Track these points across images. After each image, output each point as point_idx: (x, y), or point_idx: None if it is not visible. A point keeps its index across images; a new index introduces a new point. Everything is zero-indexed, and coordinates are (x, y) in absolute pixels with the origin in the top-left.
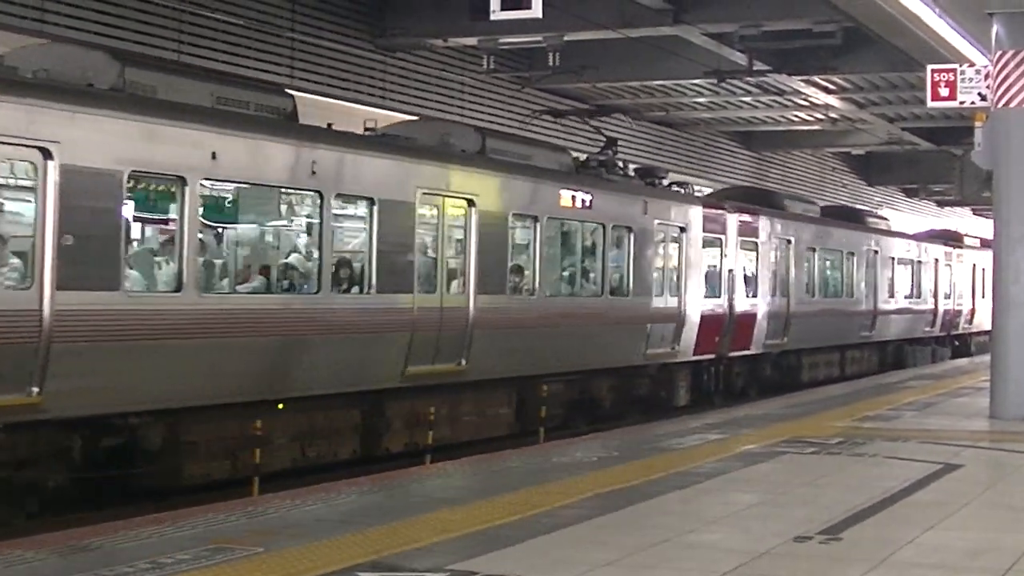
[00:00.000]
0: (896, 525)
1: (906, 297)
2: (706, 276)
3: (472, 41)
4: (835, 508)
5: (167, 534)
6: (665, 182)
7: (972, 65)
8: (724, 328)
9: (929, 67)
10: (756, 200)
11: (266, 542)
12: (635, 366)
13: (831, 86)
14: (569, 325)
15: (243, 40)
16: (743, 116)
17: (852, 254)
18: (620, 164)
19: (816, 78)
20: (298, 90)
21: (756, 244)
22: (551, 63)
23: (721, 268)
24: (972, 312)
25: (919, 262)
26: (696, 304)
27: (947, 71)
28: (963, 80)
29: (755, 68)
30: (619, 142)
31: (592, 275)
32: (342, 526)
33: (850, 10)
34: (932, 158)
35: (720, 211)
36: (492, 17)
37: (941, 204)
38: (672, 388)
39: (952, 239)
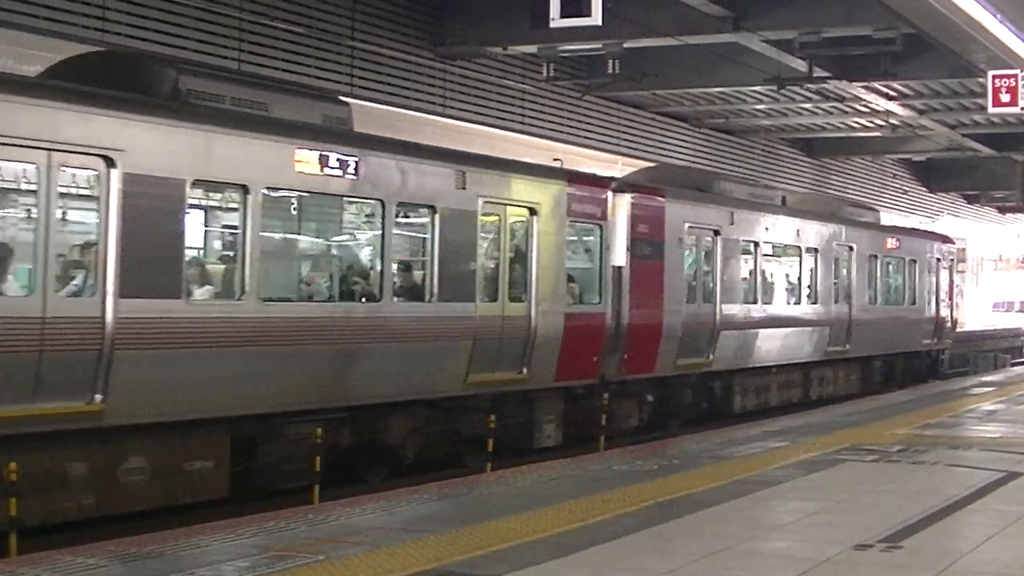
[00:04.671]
0: (958, 533)
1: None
2: None
3: (532, 49)
4: (896, 516)
5: (228, 541)
6: None
7: None
8: None
9: (990, 73)
10: None
11: (326, 550)
12: None
13: (891, 92)
14: None
15: (303, 48)
16: (803, 123)
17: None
18: None
19: (876, 84)
20: (357, 98)
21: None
22: (611, 70)
23: None
24: (712, 333)
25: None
26: None
27: (1008, 77)
28: None
29: (815, 75)
30: (679, 148)
31: None
32: (402, 534)
33: (911, 16)
34: (993, 164)
35: None
36: (552, 24)
37: (1003, 210)
38: None
39: (637, 189)
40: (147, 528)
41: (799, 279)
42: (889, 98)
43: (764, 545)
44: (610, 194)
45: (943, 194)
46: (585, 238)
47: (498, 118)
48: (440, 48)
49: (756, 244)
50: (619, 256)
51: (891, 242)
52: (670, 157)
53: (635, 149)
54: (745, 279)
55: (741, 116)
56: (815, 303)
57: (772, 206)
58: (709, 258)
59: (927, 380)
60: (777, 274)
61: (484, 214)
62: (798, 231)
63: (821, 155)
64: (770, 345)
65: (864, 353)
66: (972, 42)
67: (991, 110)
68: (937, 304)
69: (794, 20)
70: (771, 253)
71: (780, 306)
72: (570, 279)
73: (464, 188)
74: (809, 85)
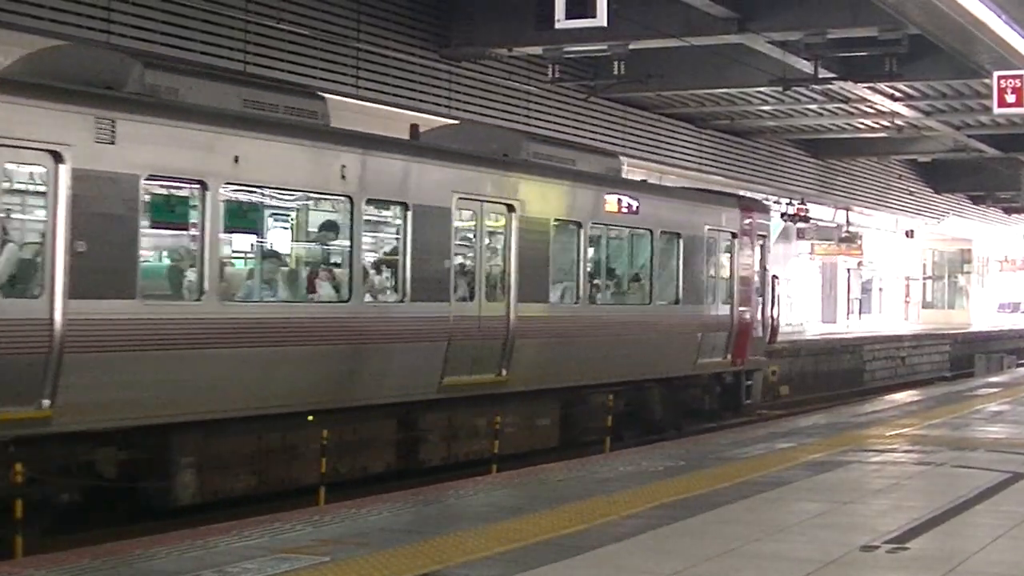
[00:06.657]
0: (964, 535)
1: None
2: None
3: (537, 50)
4: (902, 517)
5: (233, 543)
6: None
7: None
8: None
9: (995, 74)
10: None
11: (332, 551)
12: None
13: (897, 93)
14: None
15: (308, 50)
16: (809, 124)
17: None
18: None
19: (882, 85)
20: (363, 99)
21: None
22: (616, 72)
23: None
24: (48, 358)
25: None
26: None
27: (1013, 77)
28: None
29: (820, 76)
30: (684, 149)
31: None
32: (407, 536)
33: (916, 18)
34: (998, 165)
35: None
36: (557, 26)
37: (1008, 211)
38: None
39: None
40: (152, 530)
41: (350, 255)
42: (895, 99)
43: (770, 546)
44: None
45: (949, 195)
46: None
47: (503, 119)
48: (445, 50)
49: (203, 186)
50: None
51: (622, 204)
52: (675, 158)
53: (640, 150)
54: (164, 250)
55: (746, 117)
56: (403, 300)
57: (257, 122)
58: (47, 212)
59: (718, 417)
60: (276, 246)
61: None
62: (343, 170)
63: (827, 156)
64: (279, 375)
65: (557, 383)
66: (977, 43)
67: (996, 111)
68: (734, 303)
69: (799, 21)
70: (260, 205)
71: (284, 304)
72: None
73: None
74: (814, 86)
